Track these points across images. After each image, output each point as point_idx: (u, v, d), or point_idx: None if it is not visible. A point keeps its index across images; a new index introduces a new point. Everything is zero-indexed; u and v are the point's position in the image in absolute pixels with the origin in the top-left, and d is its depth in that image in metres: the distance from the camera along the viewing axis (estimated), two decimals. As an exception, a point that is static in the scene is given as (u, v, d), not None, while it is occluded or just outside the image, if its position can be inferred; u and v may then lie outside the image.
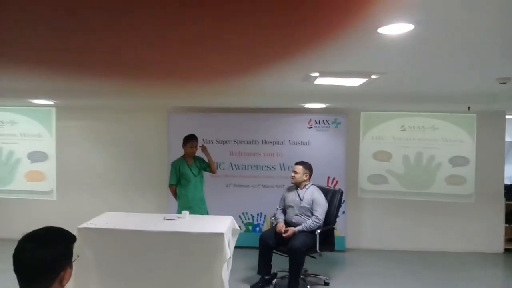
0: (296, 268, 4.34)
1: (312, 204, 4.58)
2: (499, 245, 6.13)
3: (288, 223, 4.66)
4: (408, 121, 6.21)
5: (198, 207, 5.00)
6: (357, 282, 4.92)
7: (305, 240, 4.38)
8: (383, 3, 1.79)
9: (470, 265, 5.60)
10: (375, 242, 6.26)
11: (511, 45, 2.47)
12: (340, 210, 5.94)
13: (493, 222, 6.12)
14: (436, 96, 4.90)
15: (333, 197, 4.79)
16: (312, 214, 4.55)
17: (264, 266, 4.57)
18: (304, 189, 4.68)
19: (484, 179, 6.09)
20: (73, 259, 1.63)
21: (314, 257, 4.76)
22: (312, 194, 4.62)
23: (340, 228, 6.05)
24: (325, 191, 4.87)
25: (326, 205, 4.64)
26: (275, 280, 4.66)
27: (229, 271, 3.98)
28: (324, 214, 4.58)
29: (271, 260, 4.61)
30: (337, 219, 5.94)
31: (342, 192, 4.81)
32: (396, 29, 2.06)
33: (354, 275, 5.16)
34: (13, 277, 1.52)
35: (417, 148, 6.21)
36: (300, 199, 4.64)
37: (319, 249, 4.46)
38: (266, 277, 4.60)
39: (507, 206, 6.14)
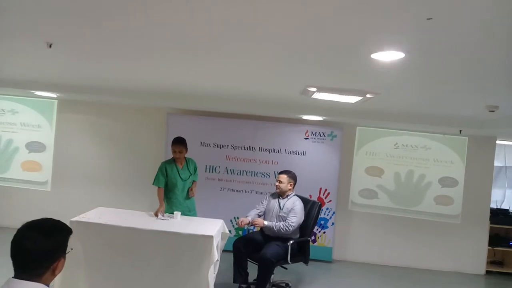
0: (264, 277, 4.31)
1: (289, 213, 4.52)
2: (481, 267, 6.26)
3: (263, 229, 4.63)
4: (402, 139, 6.34)
5: (183, 214, 4.61)
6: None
7: (278, 251, 4.35)
8: (375, 33, 1.92)
9: (452, 285, 5.71)
10: (362, 255, 6.37)
11: (498, 76, 2.60)
12: (329, 222, 6.15)
13: (477, 243, 6.25)
14: (428, 117, 5.05)
15: (312, 209, 4.69)
16: None
17: (239, 273, 4.50)
18: (286, 199, 4.63)
19: (471, 201, 6.23)
20: (67, 251, 1.71)
21: (285, 268, 4.79)
22: (292, 204, 4.56)
23: (328, 239, 6.16)
24: (305, 201, 4.80)
25: (302, 217, 4.56)
26: None
27: (216, 273, 4.07)
28: (297, 224, 4.49)
29: (246, 267, 4.54)
30: (326, 230, 6.13)
31: (320, 205, 4.76)
32: (388, 56, 2.19)
33: (336, 286, 5.27)
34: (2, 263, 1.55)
35: (408, 166, 6.33)
36: (280, 208, 4.60)
37: (291, 261, 4.41)
38: (243, 286, 4.51)
39: (491, 229, 6.27)
